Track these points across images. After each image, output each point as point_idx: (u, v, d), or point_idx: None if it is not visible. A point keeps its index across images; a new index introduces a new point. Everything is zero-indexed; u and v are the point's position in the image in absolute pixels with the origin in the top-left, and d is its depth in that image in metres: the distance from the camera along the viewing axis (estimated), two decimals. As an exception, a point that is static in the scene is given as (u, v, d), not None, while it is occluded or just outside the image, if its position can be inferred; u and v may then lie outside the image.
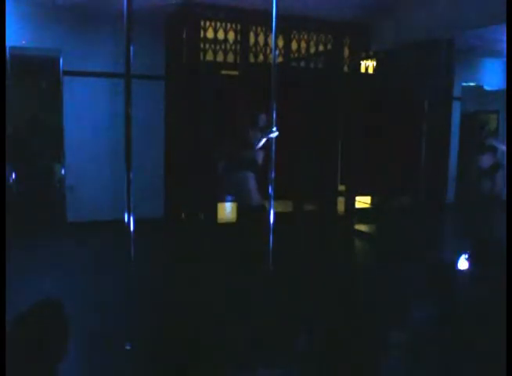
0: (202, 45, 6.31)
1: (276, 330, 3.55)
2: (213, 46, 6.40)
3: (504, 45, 4.77)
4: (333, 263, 5.52)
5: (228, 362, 3.11)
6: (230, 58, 6.53)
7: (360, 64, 7.45)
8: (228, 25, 6.43)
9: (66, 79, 6.61)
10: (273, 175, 4.88)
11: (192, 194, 6.50)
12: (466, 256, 2.32)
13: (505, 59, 7.84)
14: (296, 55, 6.94)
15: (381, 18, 6.81)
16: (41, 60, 7.04)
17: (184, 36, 6.46)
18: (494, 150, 6.94)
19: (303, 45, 6.93)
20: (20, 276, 4.42)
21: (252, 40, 6.59)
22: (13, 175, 6.47)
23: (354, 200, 7.56)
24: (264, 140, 4.96)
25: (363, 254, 6.54)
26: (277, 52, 5.74)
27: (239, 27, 6.47)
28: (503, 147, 6.50)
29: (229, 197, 7.04)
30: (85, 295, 4.30)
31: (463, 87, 8.60)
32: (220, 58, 6.49)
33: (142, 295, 3.97)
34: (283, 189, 5.70)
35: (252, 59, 6.64)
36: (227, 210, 7.74)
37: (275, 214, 4.88)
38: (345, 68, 7.25)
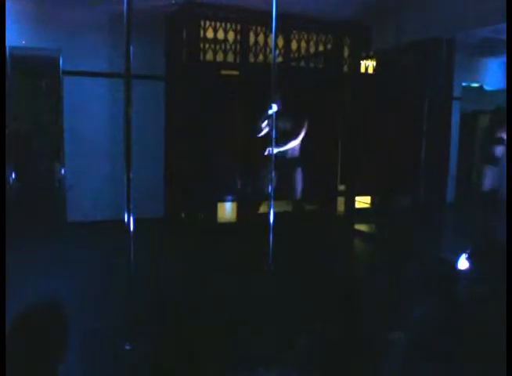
0: (202, 45, 6.32)
1: (276, 330, 3.55)
2: (213, 46, 6.40)
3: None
4: (333, 263, 5.52)
5: (227, 362, 3.11)
6: (230, 58, 6.54)
7: (360, 64, 7.45)
8: (228, 25, 6.43)
9: (66, 79, 6.62)
10: (273, 175, 4.89)
11: (192, 194, 6.50)
12: (467, 256, 2.32)
13: (505, 59, 7.83)
14: (296, 55, 6.95)
15: (381, 18, 6.81)
16: (41, 60, 7.04)
17: (184, 36, 6.47)
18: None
19: (303, 45, 6.93)
20: (20, 277, 4.42)
21: (252, 40, 6.59)
22: (13, 175, 6.48)
23: (354, 200, 7.56)
24: (267, 121, 4.95)
25: (363, 254, 6.54)
26: (277, 52, 5.75)
27: (239, 27, 6.48)
28: None
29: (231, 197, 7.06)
30: (86, 295, 4.30)
31: (463, 87, 8.61)
32: (220, 58, 6.49)
33: (142, 295, 3.97)
34: (283, 189, 5.72)
35: (252, 59, 6.65)
36: (227, 210, 7.75)
37: (275, 214, 4.89)
38: (345, 68, 7.25)
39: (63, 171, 6.84)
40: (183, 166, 6.57)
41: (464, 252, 2.33)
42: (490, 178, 7.04)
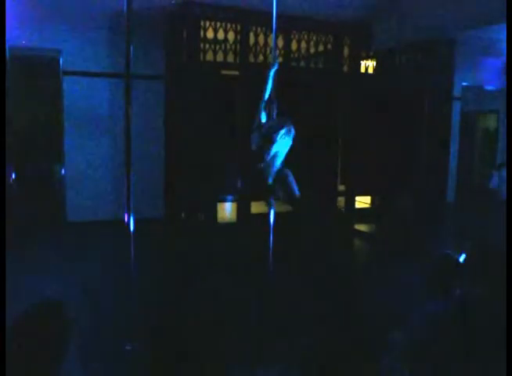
0: (202, 45, 6.32)
1: (276, 329, 3.55)
2: (213, 46, 6.40)
3: (504, 45, 4.78)
4: (333, 263, 5.52)
5: (227, 362, 3.11)
6: (230, 58, 6.54)
7: (360, 64, 7.45)
8: (229, 25, 6.43)
9: (66, 79, 6.62)
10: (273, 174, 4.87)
11: (192, 194, 6.49)
12: (465, 256, 2.33)
13: (505, 58, 7.83)
14: (296, 55, 6.95)
15: (381, 18, 6.81)
16: (41, 60, 7.04)
17: (184, 36, 6.47)
18: None
19: (303, 45, 6.94)
20: (21, 277, 4.42)
21: (252, 40, 6.59)
22: (13, 175, 6.47)
23: (354, 200, 7.56)
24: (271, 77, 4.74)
25: (363, 254, 6.54)
26: (277, 52, 5.75)
27: (239, 27, 6.48)
28: None
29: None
30: (85, 295, 4.30)
31: (463, 87, 8.60)
32: (220, 58, 6.49)
33: (142, 295, 3.97)
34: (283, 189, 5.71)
35: (252, 59, 6.65)
36: (227, 210, 7.74)
37: (275, 214, 4.88)
38: (345, 68, 7.25)
39: (63, 171, 6.84)
40: (183, 166, 6.56)
41: (463, 252, 2.34)
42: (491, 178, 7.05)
